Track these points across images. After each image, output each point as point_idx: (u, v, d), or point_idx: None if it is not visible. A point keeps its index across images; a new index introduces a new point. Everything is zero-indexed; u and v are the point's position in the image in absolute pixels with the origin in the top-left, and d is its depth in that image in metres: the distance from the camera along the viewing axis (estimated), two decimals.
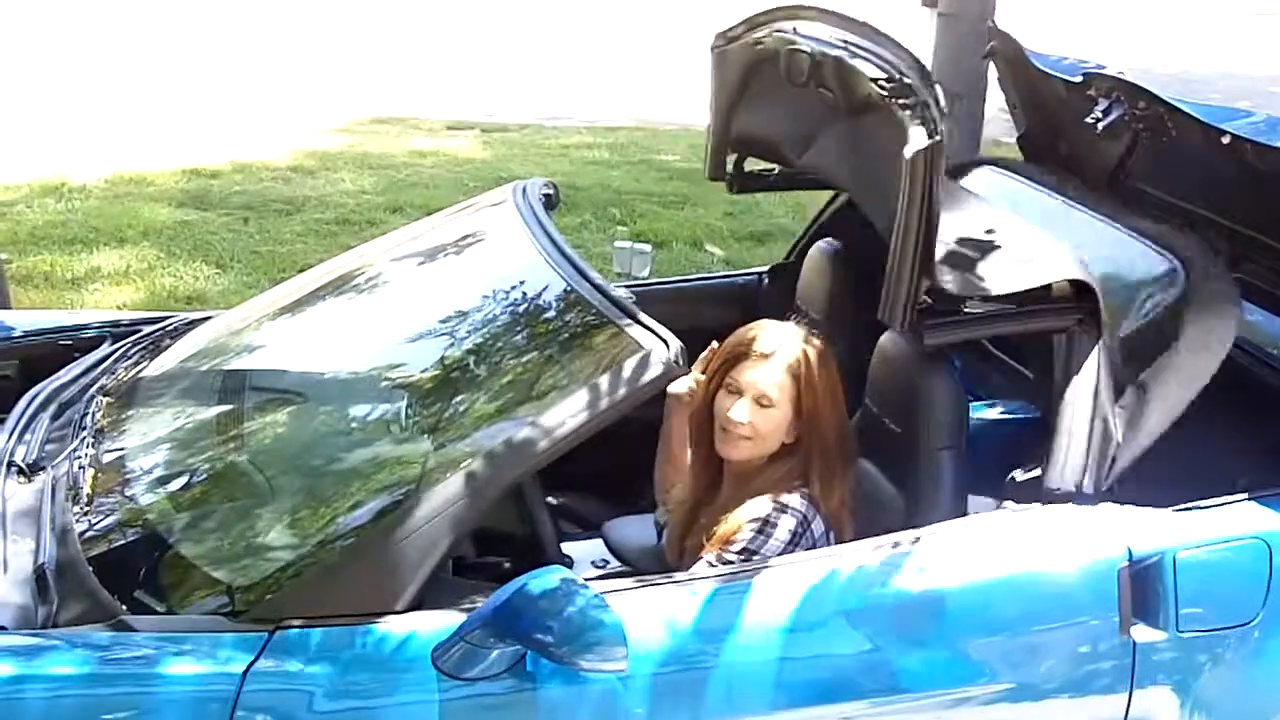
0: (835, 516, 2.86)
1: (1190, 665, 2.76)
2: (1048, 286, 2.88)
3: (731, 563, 2.73)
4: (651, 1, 16.75)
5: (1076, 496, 2.77)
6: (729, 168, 3.84)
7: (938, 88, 2.71)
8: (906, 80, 2.75)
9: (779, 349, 2.90)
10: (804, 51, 3.15)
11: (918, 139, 2.64)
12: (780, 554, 2.73)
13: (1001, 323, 2.97)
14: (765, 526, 2.77)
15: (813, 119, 3.29)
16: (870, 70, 2.86)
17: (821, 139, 3.29)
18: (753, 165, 3.87)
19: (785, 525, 2.77)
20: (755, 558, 2.73)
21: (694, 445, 3.08)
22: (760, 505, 2.81)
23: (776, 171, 3.88)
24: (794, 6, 3.31)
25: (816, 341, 2.96)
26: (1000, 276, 2.83)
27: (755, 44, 3.44)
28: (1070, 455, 2.80)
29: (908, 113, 2.70)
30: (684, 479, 3.11)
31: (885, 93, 2.78)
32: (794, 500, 2.82)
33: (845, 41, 3.04)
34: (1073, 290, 2.90)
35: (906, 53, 2.85)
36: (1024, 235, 3.04)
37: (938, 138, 2.63)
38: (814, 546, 2.79)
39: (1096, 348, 2.87)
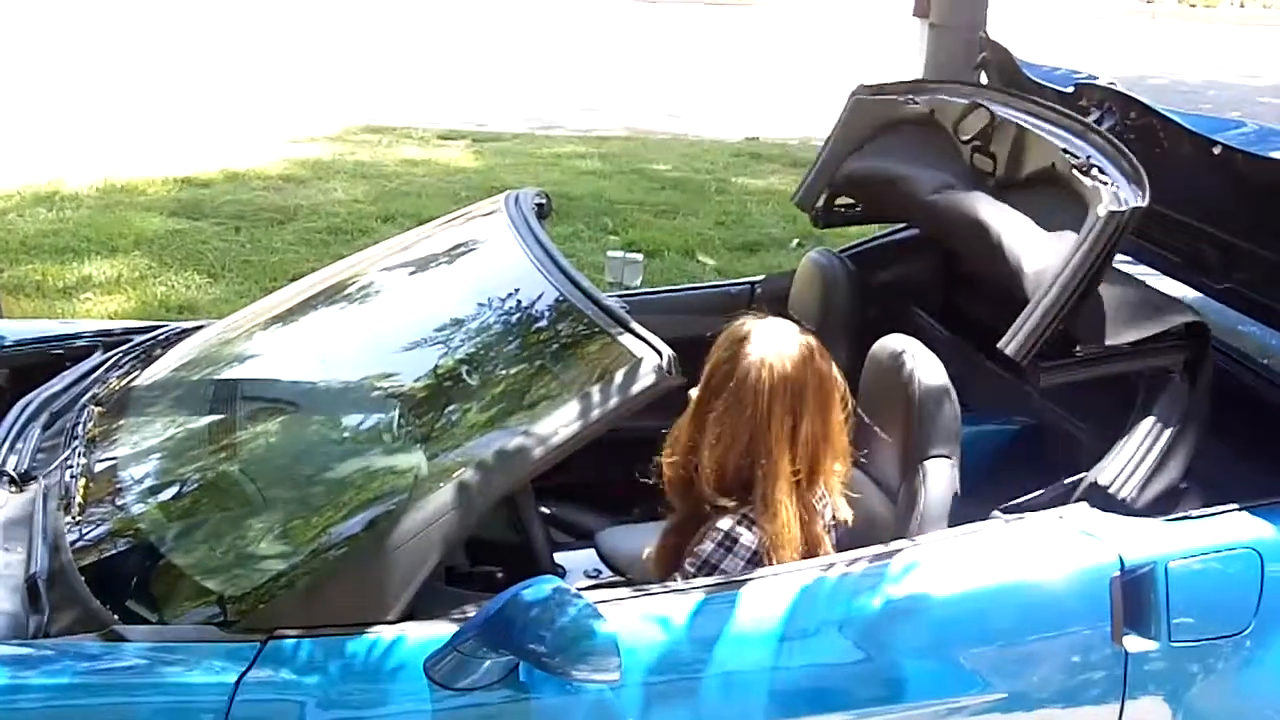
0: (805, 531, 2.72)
1: (1182, 675, 2.76)
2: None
3: (690, 575, 2.65)
4: (645, 13, 16.77)
5: (1116, 504, 2.82)
6: (819, 202, 4.00)
7: (1142, 172, 2.88)
8: (1094, 162, 2.93)
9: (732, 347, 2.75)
10: (987, 109, 3.31)
11: (1112, 201, 2.79)
12: (742, 570, 2.64)
13: (1115, 363, 3.01)
14: (726, 540, 2.66)
15: (945, 174, 3.47)
16: (1057, 141, 3.04)
17: (953, 191, 3.44)
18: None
19: (745, 541, 2.66)
20: (716, 572, 2.64)
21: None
22: (725, 519, 2.69)
23: (860, 208, 4.05)
24: (969, 83, 3.46)
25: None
26: (1123, 324, 2.94)
27: (907, 102, 3.64)
28: (1128, 469, 2.87)
29: (1102, 186, 2.85)
30: None
31: (1076, 167, 2.94)
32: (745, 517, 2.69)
33: (1022, 119, 3.24)
34: (1184, 329, 2.97)
35: (1099, 133, 3.05)
36: (1134, 281, 3.16)
37: (1139, 204, 2.79)
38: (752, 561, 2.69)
39: (1185, 388, 2.97)
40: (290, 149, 9.59)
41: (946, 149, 3.49)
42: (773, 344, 2.69)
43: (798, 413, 2.67)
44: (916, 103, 3.62)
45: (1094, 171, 2.91)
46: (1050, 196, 3.01)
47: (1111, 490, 2.84)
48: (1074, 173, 2.93)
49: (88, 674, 2.36)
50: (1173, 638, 2.71)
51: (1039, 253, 2.96)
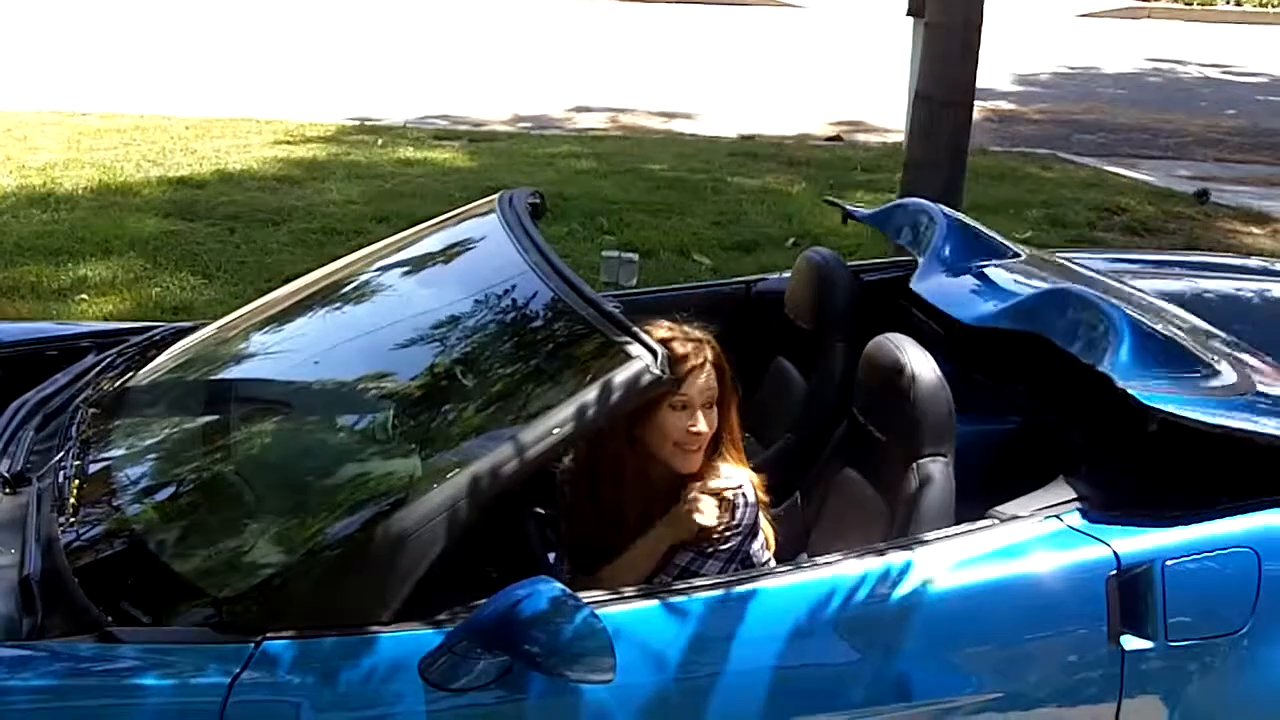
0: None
1: (1179, 674, 2.76)
2: None
3: (728, 541, 2.82)
4: (640, 12, 16.79)
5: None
6: None
7: None
8: None
9: (702, 349, 2.87)
10: None
11: None
12: (754, 511, 2.87)
13: None
14: (736, 498, 2.85)
15: None
16: None
17: None
18: None
19: (745, 490, 2.87)
20: (741, 526, 2.83)
21: (635, 483, 2.91)
22: (721, 484, 2.86)
23: None
24: None
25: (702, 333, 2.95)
26: None
27: None
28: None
29: None
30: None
31: None
32: (729, 470, 2.89)
33: None
34: None
35: None
36: None
37: None
38: (758, 501, 2.90)
39: None
40: (284, 149, 9.57)
41: None
42: (698, 336, 2.94)
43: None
44: None
45: None
46: None
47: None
48: None
49: (81, 675, 2.36)
50: (1169, 637, 2.71)
51: None
